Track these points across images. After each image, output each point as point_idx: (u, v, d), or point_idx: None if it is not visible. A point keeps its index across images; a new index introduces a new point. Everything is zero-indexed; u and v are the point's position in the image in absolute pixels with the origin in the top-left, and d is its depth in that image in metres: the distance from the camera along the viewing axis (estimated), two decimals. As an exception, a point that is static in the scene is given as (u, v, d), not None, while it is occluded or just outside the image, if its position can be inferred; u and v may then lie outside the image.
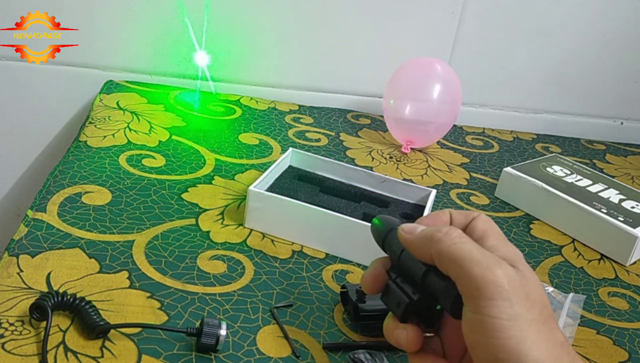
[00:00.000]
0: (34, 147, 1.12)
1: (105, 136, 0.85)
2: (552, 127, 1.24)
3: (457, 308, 0.33)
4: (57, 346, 0.48)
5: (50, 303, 0.49)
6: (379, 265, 0.38)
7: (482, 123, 1.21)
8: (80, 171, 0.75)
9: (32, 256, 0.58)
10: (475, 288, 0.31)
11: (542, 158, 0.95)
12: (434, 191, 0.76)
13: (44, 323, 0.49)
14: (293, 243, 0.69)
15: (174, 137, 0.89)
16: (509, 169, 0.88)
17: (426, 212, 0.71)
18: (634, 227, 0.76)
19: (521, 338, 0.30)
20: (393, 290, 0.36)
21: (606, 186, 0.87)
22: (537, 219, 0.85)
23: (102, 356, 0.48)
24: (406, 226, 0.36)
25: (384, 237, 0.38)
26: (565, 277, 0.72)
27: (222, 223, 0.70)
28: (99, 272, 0.58)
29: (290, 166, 0.81)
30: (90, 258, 0.60)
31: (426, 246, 0.34)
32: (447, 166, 0.98)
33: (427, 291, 0.35)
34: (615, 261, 0.77)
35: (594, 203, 0.81)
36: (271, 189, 0.74)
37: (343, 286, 0.60)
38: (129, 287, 0.57)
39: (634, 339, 0.63)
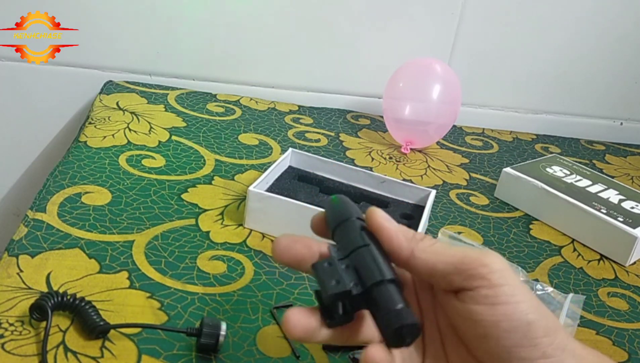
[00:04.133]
0: (34, 147, 1.12)
1: (105, 137, 0.86)
2: (551, 127, 1.24)
3: (396, 337, 0.31)
4: (57, 346, 0.48)
5: (50, 304, 0.49)
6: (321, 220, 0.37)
7: (481, 124, 1.21)
8: (80, 171, 0.75)
9: (32, 257, 0.58)
10: (481, 265, 0.32)
11: (541, 158, 0.95)
12: (433, 192, 0.76)
13: (43, 324, 0.49)
14: (293, 243, 0.69)
15: (173, 137, 0.89)
16: (508, 169, 0.88)
17: (426, 211, 0.71)
18: (634, 227, 0.76)
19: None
20: (335, 267, 0.33)
21: (606, 187, 0.87)
22: (537, 220, 0.85)
23: (102, 356, 0.48)
24: (385, 214, 0.35)
25: (342, 222, 0.35)
26: (565, 277, 0.72)
27: (221, 224, 0.70)
28: (98, 272, 0.58)
29: (290, 167, 0.81)
30: (90, 258, 0.60)
31: (407, 240, 0.34)
32: (447, 166, 0.99)
33: (372, 298, 0.32)
34: (614, 262, 0.77)
35: (594, 203, 0.81)
36: (271, 189, 0.74)
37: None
38: (129, 287, 0.57)
39: (633, 339, 0.63)
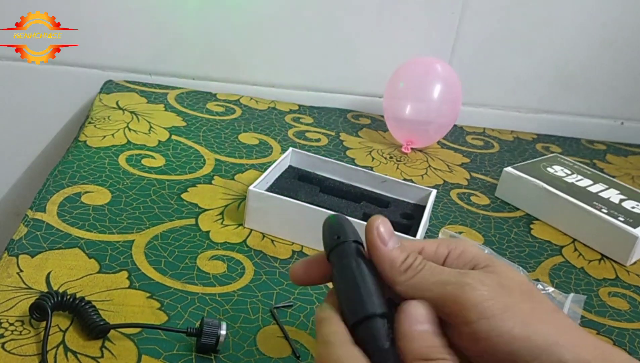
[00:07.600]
0: (34, 147, 1.12)
1: (104, 136, 0.85)
2: (552, 127, 1.24)
3: None
4: (57, 346, 0.48)
5: (50, 303, 0.49)
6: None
7: (482, 123, 1.21)
8: (79, 171, 0.75)
9: (32, 256, 0.58)
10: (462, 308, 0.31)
11: (542, 158, 0.95)
12: (434, 191, 0.76)
13: (43, 323, 0.49)
14: (293, 243, 0.69)
15: (173, 137, 0.89)
16: (509, 169, 0.88)
17: (427, 211, 0.71)
18: (634, 227, 0.76)
19: (522, 322, 0.31)
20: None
21: (606, 186, 0.87)
22: (538, 220, 0.85)
23: (102, 356, 0.48)
24: (382, 228, 0.35)
25: (336, 246, 0.35)
26: (566, 277, 0.72)
27: (221, 223, 0.70)
28: (98, 272, 0.58)
29: (290, 166, 0.81)
30: (90, 258, 0.60)
31: (390, 269, 0.34)
32: (448, 166, 0.98)
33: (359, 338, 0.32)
34: (615, 262, 0.77)
35: (595, 203, 0.81)
36: (271, 189, 0.74)
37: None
38: (129, 287, 0.57)
39: (634, 339, 0.63)
